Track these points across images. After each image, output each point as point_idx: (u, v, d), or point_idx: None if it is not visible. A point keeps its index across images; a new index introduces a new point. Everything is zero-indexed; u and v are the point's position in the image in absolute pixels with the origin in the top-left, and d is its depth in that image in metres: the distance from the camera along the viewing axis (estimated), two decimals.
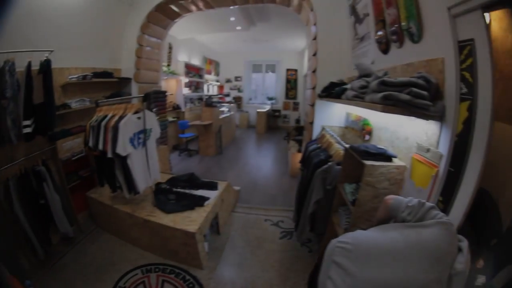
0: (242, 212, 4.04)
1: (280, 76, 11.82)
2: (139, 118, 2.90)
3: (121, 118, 2.77)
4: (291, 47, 10.30)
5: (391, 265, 1.05)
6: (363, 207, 1.84)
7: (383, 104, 1.49)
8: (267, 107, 11.45)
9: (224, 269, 2.84)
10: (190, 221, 2.79)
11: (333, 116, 3.51)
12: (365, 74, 2.09)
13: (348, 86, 2.46)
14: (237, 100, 11.89)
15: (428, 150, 1.56)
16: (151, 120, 3.09)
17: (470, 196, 1.29)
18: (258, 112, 10.87)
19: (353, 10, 3.07)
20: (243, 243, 3.29)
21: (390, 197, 1.35)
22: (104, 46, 4.14)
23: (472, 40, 1.29)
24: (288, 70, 11.56)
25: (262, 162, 7.10)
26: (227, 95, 11.32)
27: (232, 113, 9.61)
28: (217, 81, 11.88)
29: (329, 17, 3.60)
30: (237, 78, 12.27)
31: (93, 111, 3.04)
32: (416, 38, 1.79)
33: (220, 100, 9.45)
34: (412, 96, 1.41)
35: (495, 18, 1.44)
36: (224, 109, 9.08)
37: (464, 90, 1.34)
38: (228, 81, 12.34)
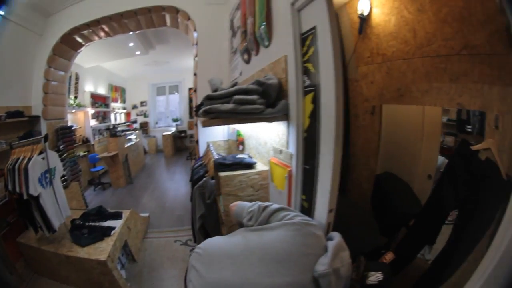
0: (154, 237, 4.12)
1: (183, 96, 11.49)
2: (43, 158, 2.95)
3: (29, 159, 2.80)
4: (192, 66, 10.20)
5: (230, 268, 1.02)
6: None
7: (206, 118, 1.41)
8: (172, 129, 11.07)
9: None
10: (101, 250, 2.88)
11: (217, 131, 3.43)
12: (215, 90, 2.00)
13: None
14: (144, 126, 11.25)
15: (281, 152, 1.49)
16: (54, 158, 3.15)
17: (330, 191, 1.18)
18: (163, 135, 10.37)
19: (231, 25, 3.04)
20: (158, 265, 3.42)
21: (234, 204, 1.34)
22: (16, 81, 3.82)
23: (314, 28, 1.22)
24: (190, 89, 11.11)
25: (169, 185, 7.11)
26: (134, 121, 10.64)
27: (138, 140, 9.05)
28: (124, 108, 11.05)
29: (210, 35, 3.58)
30: (142, 103, 11.56)
31: (10, 153, 3.00)
32: (266, 43, 1.74)
33: (129, 128, 8.84)
34: (237, 104, 1.33)
35: (377, 5, 1.46)
36: (132, 136, 8.51)
37: (308, 82, 1.26)
38: (134, 107, 11.56)
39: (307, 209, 1.29)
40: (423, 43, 1.49)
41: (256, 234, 1.10)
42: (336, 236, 1.13)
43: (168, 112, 11.93)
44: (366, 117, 1.88)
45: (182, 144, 11.33)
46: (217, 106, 1.36)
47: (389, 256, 1.45)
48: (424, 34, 1.47)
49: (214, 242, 1.16)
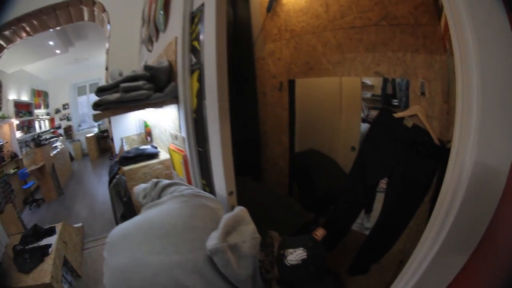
0: (91, 247, 3.81)
1: None
2: None
3: None
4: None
5: (126, 249, 0.91)
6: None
7: (97, 111, 1.31)
8: (95, 130, 10.27)
9: None
10: (44, 272, 2.65)
11: (130, 125, 3.26)
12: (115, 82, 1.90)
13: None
14: (68, 130, 10.20)
15: (176, 137, 1.42)
16: None
17: (224, 172, 1.10)
18: (86, 137, 9.62)
19: (143, 15, 2.85)
20: (102, 276, 2.97)
21: (135, 187, 1.24)
22: None
23: (202, 5, 1.14)
24: None
25: (97, 188, 6.63)
26: (58, 127, 9.69)
27: (63, 146, 8.30)
28: (48, 114, 10.01)
29: (122, 27, 3.37)
30: (65, 106, 10.45)
31: None
32: (163, 27, 1.65)
33: (53, 135, 8.04)
34: (124, 92, 1.25)
35: None
36: (58, 144, 7.76)
37: (194, 60, 1.19)
38: (57, 111, 10.46)
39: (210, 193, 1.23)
40: (336, 16, 1.49)
41: (146, 211, 1.01)
42: (237, 208, 1.01)
43: (90, 113, 11.08)
44: (275, 94, 1.88)
45: (105, 144, 10.37)
46: (106, 97, 1.26)
47: (320, 232, 1.29)
48: (338, 7, 1.48)
49: (119, 227, 1.02)
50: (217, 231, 0.86)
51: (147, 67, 1.31)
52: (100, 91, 1.34)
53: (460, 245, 0.73)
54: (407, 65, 1.31)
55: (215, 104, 1.05)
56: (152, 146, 1.73)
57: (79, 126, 10.87)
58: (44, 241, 3.18)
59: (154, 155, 1.64)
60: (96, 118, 1.32)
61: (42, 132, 8.13)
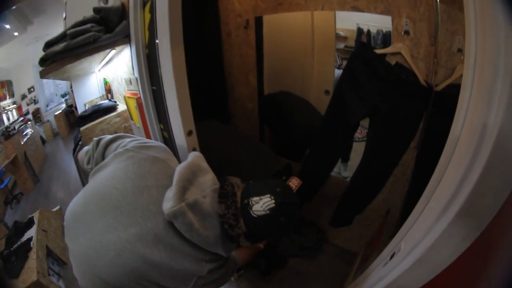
0: None
1: None
2: None
3: None
4: None
5: (81, 232, 0.78)
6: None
7: (44, 67, 1.15)
8: (63, 106, 9.98)
9: None
10: (30, 270, 2.53)
11: (93, 88, 2.85)
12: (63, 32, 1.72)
13: None
14: (36, 113, 9.91)
15: (130, 81, 1.26)
16: None
17: (179, 108, 0.99)
18: (55, 116, 9.34)
19: None
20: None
21: (79, 153, 1.05)
22: None
23: None
24: None
25: (70, 165, 6.39)
26: (27, 113, 9.29)
27: (32, 131, 8.00)
28: (14, 103, 9.52)
29: None
30: (30, 90, 10.11)
31: None
32: None
33: (23, 123, 7.68)
34: (70, 39, 1.10)
35: None
36: (28, 130, 7.44)
37: None
38: (23, 97, 10.05)
39: (169, 139, 1.11)
40: None
41: (91, 180, 0.85)
42: (191, 155, 0.88)
43: (56, 90, 10.65)
44: (240, 33, 1.74)
45: (74, 118, 10.26)
46: (52, 49, 1.11)
47: (294, 182, 1.20)
48: None
49: (70, 207, 0.87)
50: (171, 189, 0.74)
51: (95, 9, 1.16)
52: (47, 46, 1.18)
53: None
54: (389, 2, 1.20)
55: (166, 31, 0.90)
56: (110, 100, 1.59)
57: (47, 106, 10.46)
58: (26, 236, 3.08)
59: (111, 108, 1.51)
60: (42, 74, 1.18)
61: (11, 123, 7.81)
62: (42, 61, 1.14)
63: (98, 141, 0.91)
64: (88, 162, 0.92)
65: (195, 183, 0.78)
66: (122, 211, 0.74)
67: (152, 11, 0.97)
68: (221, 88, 1.89)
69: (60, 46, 1.10)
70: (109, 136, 0.90)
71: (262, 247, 1.32)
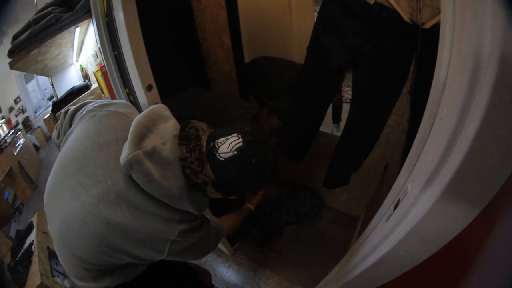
0: None
1: None
2: None
3: None
4: None
5: (55, 209, 0.75)
6: None
7: (13, 59, 1.24)
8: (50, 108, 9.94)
9: None
10: (34, 274, 2.24)
11: (73, 79, 2.89)
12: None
13: None
14: (26, 122, 9.80)
15: (97, 55, 1.30)
16: None
17: (134, 60, 0.95)
18: (44, 120, 9.23)
19: None
20: None
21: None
22: None
23: None
24: None
25: None
26: (16, 124, 9.21)
27: (24, 140, 7.92)
28: (2, 117, 9.39)
29: None
30: (16, 100, 9.97)
31: None
32: None
33: (15, 135, 7.62)
34: (34, 25, 1.17)
35: None
36: (21, 140, 7.37)
37: None
38: (11, 109, 9.93)
39: (134, 103, 1.09)
40: None
41: (60, 151, 0.81)
42: (153, 105, 0.82)
43: (42, 94, 10.55)
44: None
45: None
46: (18, 39, 1.18)
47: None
48: None
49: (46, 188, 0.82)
50: (128, 139, 0.68)
51: None
52: (14, 38, 1.23)
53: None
54: None
55: None
56: (83, 82, 1.61)
57: (36, 113, 10.37)
58: (27, 242, 2.99)
59: (84, 88, 1.54)
60: (11, 64, 1.26)
61: (2, 138, 7.72)
62: (10, 53, 1.20)
63: (65, 113, 0.86)
64: (58, 136, 0.88)
65: (155, 130, 0.71)
66: (84, 173, 0.69)
67: None
68: (196, 54, 1.85)
69: (25, 34, 1.15)
70: (74, 106, 0.85)
71: (252, 208, 1.25)
